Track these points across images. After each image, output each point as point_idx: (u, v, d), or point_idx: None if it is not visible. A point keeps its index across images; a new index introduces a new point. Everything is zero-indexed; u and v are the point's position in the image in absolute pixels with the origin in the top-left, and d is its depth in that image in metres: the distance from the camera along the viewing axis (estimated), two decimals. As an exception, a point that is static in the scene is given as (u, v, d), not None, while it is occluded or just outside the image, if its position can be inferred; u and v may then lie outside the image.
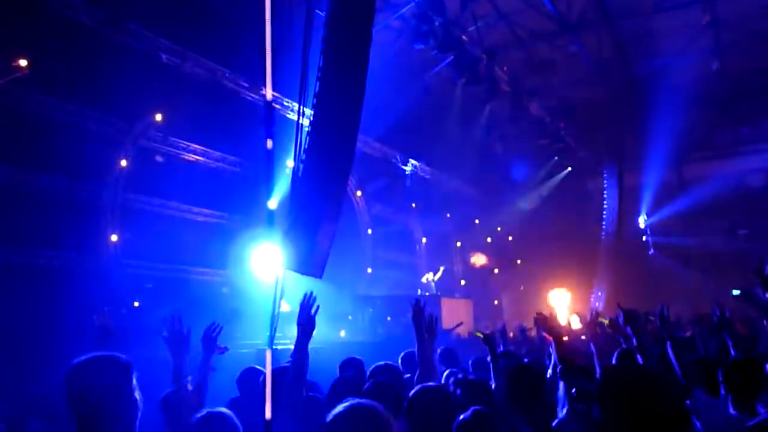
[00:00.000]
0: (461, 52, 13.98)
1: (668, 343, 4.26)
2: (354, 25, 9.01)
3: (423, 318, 4.17)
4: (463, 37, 13.82)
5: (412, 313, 4.21)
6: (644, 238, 21.24)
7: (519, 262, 22.41)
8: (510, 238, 22.26)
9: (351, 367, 4.74)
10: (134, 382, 2.29)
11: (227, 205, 14.47)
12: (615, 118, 20.77)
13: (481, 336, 4.59)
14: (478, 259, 20.71)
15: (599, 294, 19.80)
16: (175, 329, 2.87)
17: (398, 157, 17.99)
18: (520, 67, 17.90)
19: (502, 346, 5.86)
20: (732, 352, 4.20)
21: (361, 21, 9.03)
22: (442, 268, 14.16)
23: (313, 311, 2.94)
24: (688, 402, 3.45)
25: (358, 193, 17.10)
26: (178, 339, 2.87)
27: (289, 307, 9.22)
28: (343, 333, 14.14)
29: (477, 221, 21.41)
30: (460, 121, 17.24)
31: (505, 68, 16.21)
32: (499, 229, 21.83)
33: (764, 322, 5.06)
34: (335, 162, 8.90)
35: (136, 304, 12.13)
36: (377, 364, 4.53)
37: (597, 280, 20.49)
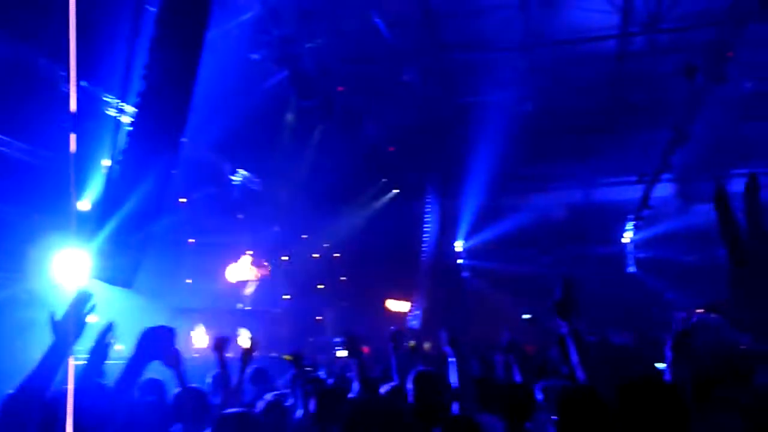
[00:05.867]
0: (297, 67, 13.97)
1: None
2: (187, 27, 8.65)
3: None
4: (300, 52, 13.81)
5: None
6: (459, 261, 22.56)
7: (343, 278, 22.70)
8: (336, 255, 22.47)
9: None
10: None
11: (28, 202, 13.02)
12: (440, 145, 21.94)
13: (291, 358, 4.44)
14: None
15: (416, 313, 20.61)
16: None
17: (227, 167, 17.45)
18: (355, 88, 18.28)
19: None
20: (517, 376, 4.47)
21: (195, 23, 8.70)
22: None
23: (86, 309, 2.53)
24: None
25: (182, 200, 16.29)
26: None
27: (98, 318, 8.48)
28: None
29: (305, 236, 21.37)
30: (293, 136, 17.14)
31: (339, 87, 16.45)
32: (325, 245, 21.94)
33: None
34: (156, 166, 8.43)
35: None
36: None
37: (414, 299, 21.35)
